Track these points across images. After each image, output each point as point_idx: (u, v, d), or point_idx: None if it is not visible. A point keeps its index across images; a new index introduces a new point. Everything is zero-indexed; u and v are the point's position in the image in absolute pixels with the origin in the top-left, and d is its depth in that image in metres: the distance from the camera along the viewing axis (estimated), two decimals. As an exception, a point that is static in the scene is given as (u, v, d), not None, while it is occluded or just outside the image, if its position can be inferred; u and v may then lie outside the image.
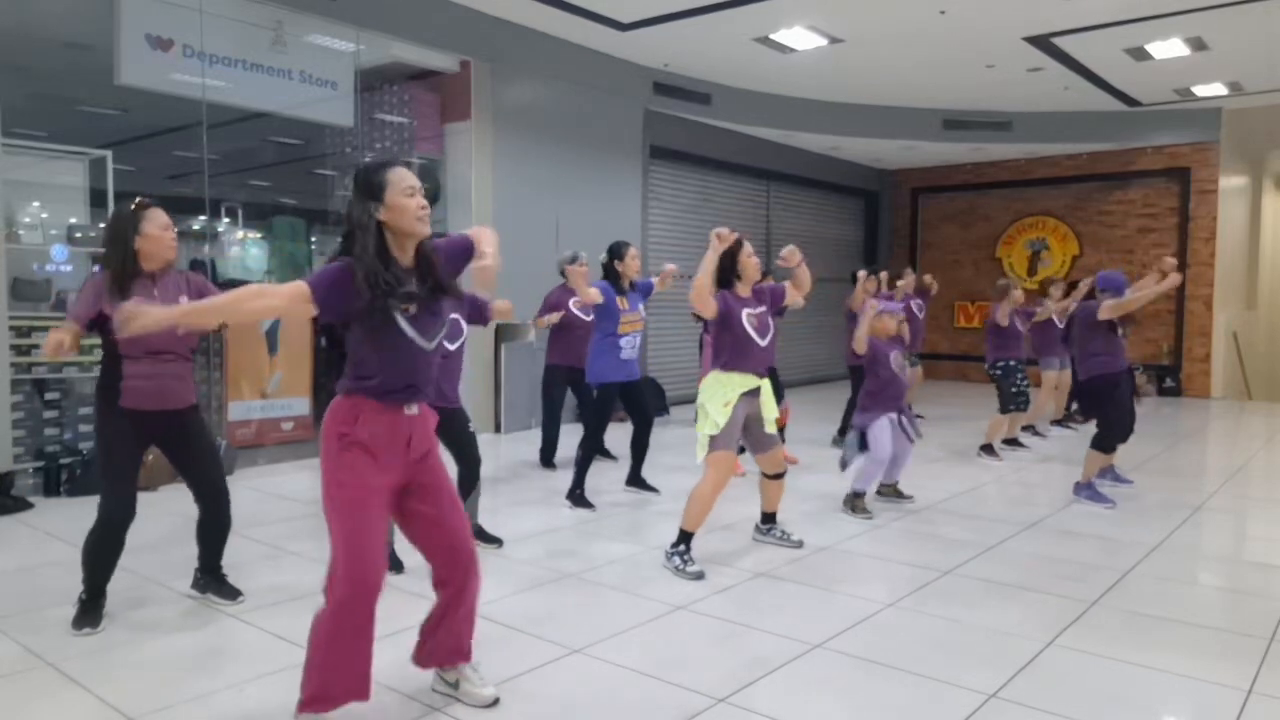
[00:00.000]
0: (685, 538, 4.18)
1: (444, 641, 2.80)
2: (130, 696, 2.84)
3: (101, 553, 3.45)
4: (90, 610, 3.43)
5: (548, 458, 6.75)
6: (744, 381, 4.20)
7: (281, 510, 5.40)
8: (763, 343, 4.24)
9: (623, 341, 5.42)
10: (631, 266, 5.49)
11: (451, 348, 4.16)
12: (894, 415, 5.36)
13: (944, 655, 3.23)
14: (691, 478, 4.38)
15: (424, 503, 2.67)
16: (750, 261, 4.28)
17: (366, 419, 2.51)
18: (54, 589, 3.76)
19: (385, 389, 2.52)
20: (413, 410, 2.59)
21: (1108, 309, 5.48)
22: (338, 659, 2.48)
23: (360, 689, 2.54)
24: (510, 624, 3.48)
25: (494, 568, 4.24)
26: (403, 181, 2.49)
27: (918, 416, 9.31)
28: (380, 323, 2.47)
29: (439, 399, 2.79)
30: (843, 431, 7.47)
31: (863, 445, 5.34)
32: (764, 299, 4.35)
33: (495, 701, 2.80)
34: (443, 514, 2.70)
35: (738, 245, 4.20)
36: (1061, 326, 8.18)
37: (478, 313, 4.33)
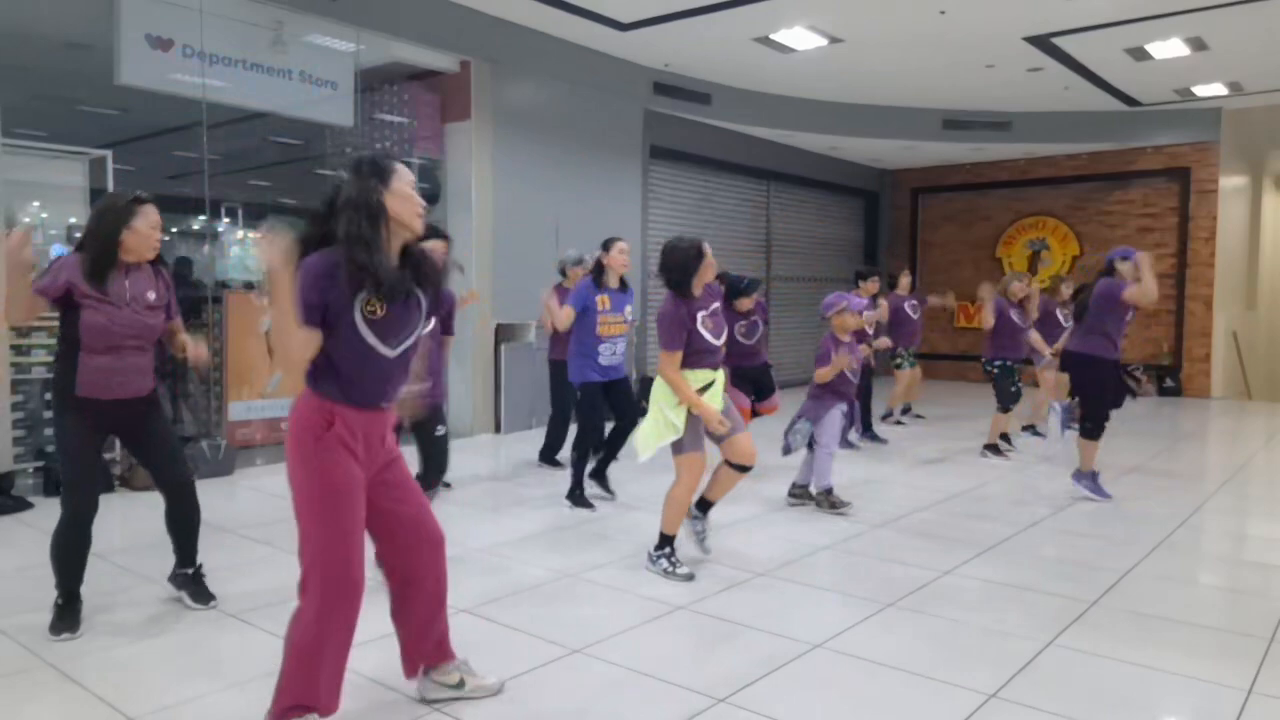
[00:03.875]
0: (666, 540, 4.17)
1: (432, 637, 2.78)
2: (130, 696, 2.84)
3: (70, 550, 3.39)
4: (67, 614, 3.37)
5: (550, 455, 6.72)
6: (698, 377, 4.08)
7: (281, 510, 5.37)
8: (717, 341, 4.14)
9: (601, 348, 5.24)
10: (616, 261, 5.27)
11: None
12: (844, 406, 5.47)
13: (944, 655, 3.23)
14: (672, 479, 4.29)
15: (393, 498, 2.62)
16: (710, 264, 4.12)
17: (343, 419, 2.46)
18: (54, 589, 3.74)
19: (352, 397, 2.46)
20: (385, 405, 2.59)
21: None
22: (319, 666, 2.41)
23: (330, 703, 2.47)
24: (510, 624, 3.48)
25: (494, 567, 4.25)
26: (407, 175, 2.52)
27: (918, 416, 9.37)
28: (343, 325, 2.39)
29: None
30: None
31: (811, 441, 5.41)
32: (715, 295, 4.21)
33: (502, 686, 2.87)
34: (413, 509, 2.67)
35: (698, 255, 4.05)
36: (1068, 326, 8.13)
37: (448, 321, 4.32)
